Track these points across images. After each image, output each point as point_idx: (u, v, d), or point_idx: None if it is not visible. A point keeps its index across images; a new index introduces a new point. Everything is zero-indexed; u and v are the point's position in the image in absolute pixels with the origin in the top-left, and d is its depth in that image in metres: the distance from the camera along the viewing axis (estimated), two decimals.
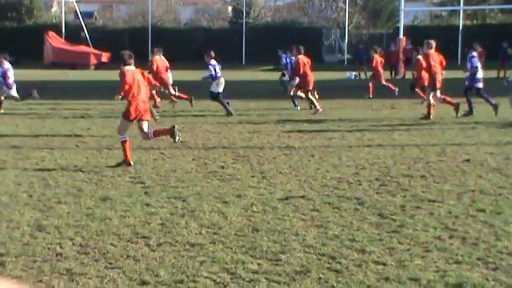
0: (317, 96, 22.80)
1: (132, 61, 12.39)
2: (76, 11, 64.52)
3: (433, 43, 19.08)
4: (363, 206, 9.04)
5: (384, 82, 26.50)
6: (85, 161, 12.65)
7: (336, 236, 7.58)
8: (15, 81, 20.87)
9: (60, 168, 11.93)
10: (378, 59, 26.19)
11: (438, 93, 19.00)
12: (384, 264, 6.61)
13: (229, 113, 20.21)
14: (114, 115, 19.71)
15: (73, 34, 59.72)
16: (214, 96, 20.44)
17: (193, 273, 6.35)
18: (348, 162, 12.47)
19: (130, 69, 12.30)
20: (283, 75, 28.14)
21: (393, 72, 40.91)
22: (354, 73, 42.09)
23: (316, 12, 71.07)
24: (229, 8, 72.92)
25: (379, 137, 15.71)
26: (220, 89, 20.41)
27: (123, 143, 12.26)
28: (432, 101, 18.98)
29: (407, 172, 11.43)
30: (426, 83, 19.46)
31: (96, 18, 71.97)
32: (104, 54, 55.34)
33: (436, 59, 19.05)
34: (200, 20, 71.10)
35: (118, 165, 12.08)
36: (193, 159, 12.86)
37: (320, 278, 6.24)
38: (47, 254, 6.94)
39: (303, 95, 21.09)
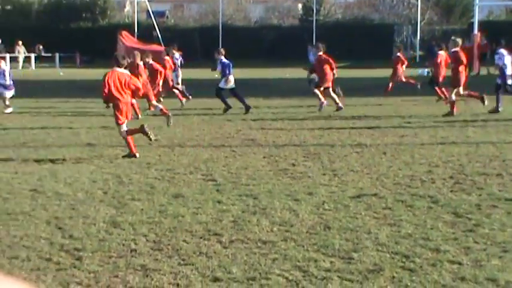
0: (341, 94, 22.46)
1: (125, 63, 13.16)
2: (148, 11, 65.32)
3: (460, 41, 19.08)
4: (436, 205, 8.89)
5: (403, 79, 25.93)
6: (157, 159, 12.80)
7: (409, 235, 7.48)
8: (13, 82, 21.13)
9: (134, 165, 12.11)
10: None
11: (461, 89, 18.98)
12: (460, 264, 6.48)
13: (227, 108, 20.42)
14: (185, 113, 19.92)
15: (145, 33, 60.49)
16: (219, 92, 20.63)
17: (265, 271, 6.35)
18: (420, 160, 12.29)
19: (119, 71, 12.85)
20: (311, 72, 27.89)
21: (467, 69, 40.06)
22: (426, 70, 41.41)
23: (387, 8, 70.31)
24: (299, 6, 72.76)
25: (452, 134, 15.44)
26: (229, 86, 20.57)
27: (125, 138, 12.89)
28: (454, 98, 18.88)
29: (482, 170, 11.20)
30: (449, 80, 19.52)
31: (167, 17, 72.80)
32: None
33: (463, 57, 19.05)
34: (270, 18, 71.20)
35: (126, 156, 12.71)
36: (264, 157, 12.88)
37: (393, 277, 6.17)
38: (122, 250, 7.05)
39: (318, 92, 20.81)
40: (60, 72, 43.84)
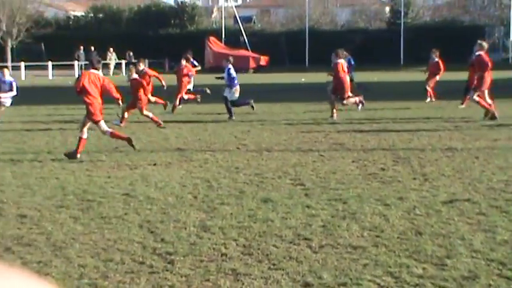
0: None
1: (100, 66, 13.97)
2: (235, 16, 66.00)
3: (486, 45, 18.78)
4: None
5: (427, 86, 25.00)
6: (246, 163, 12.87)
7: (505, 241, 7.26)
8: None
9: (222, 169, 12.21)
10: None
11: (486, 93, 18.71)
12: None
13: (230, 117, 20.29)
14: (273, 118, 19.97)
15: (232, 38, 61.15)
16: (231, 102, 20.53)
17: (356, 276, 6.28)
18: None
19: (94, 72, 13.62)
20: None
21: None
22: None
23: (478, 9, 68.84)
24: (387, 9, 72.06)
25: None
26: (236, 96, 20.60)
27: (81, 139, 13.51)
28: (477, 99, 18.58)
29: None
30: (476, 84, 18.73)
31: (254, 22, 73.26)
32: (262, 57, 56.26)
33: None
34: (357, 21, 70.77)
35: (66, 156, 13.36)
36: (353, 161, 12.77)
37: (490, 284, 6.00)
38: (212, 254, 7.10)
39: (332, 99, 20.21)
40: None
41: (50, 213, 9.02)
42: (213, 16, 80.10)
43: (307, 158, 13.29)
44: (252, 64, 56.45)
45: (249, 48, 59.65)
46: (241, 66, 55.26)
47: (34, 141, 15.85)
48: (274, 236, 7.76)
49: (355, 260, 6.74)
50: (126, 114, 18.94)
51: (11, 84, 20.23)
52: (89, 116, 13.58)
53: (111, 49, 53.03)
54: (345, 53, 21.42)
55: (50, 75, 49.49)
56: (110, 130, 13.94)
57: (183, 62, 23.78)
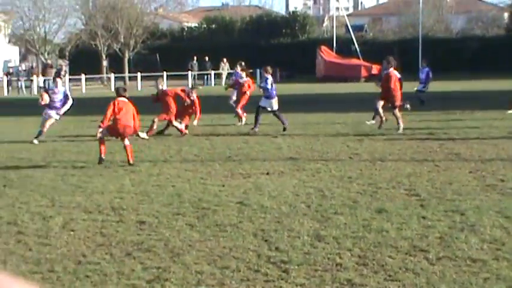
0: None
1: (126, 93, 14.59)
2: (347, 25, 65.70)
3: None
4: None
5: None
6: (359, 173, 12.77)
7: None
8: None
9: (335, 179, 12.15)
10: None
11: None
12: None
13: (255, 127, 19.49)
14: (387, 127, 19.69)
15: (343, 47, 60.85)
16: (273, 112, 19.81)
17: None
18: None
19: (121, 100, 14.24)
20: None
21: None
22: None
23: None
24: (505, 15, 69.97)
25: None
26: (277, 106, 19.76)
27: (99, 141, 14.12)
28: None
29: None
30: None
31: (366, 31, 72.74)
32: (374, 66, 55.71)
33: None
34: (473, 28, 69.02)
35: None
36: (470, 172, 12.45)
37: None
38: (327, 264, 7.08)
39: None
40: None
41: (167, 220, 9.23)
42: (324, 25, 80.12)
43: (422, 168, 13.05)
44: (364, 73, 55.92)
45: (360, 57, 59.21)
46: (353, 75, 55.03)
47: (150, 150, 16.26)
48: (390, 246, 7.66)
49: (475, 274, 6.57)
50: (181, 125, 19.15)
51: (65, 94, 18.83)
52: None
53: (225, 60, 53.86)
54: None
55: (139, 86, 50.51)
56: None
57: (243, 74, 23.16)
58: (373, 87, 22.52)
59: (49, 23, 62.65)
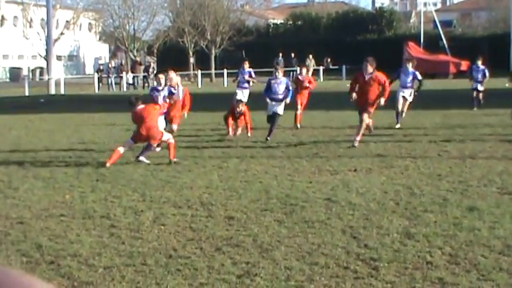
0: None
1: (138, 101, 14.12)
2: (434, 21, 64.63)
3: None
4: None
5: None
6: (448, 170, 12.56)
7: None
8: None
9: (424, 176, 11.99)
10: None
11: None
12: None
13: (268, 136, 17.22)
14: (471, 122, 19.31)
15: (431, 43, 59.90)
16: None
17: None
18: None
19: (138, 109, 13.94)
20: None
21: None
22: None
23: None
24: None
25: None
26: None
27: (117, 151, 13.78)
28: None
29: None
30: None
31: (455, 26, 71.41)
32: (463, 62, 54.59)
33: None
34: None
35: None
36: None
37: None
38: (417, 262, 7.00)
39: None
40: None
41: (255, 215, 9.30)
42: (411, 21, 79.01)
43: None
44: (453, 69, 54.90)
45: (448, 53, 58.16)
46: (441, 71, 54.07)
47: (236, 149, 16.35)
48: (482, 245, 7.51)
49: None
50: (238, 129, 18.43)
51: (170, 91, 16.19)
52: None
53: (311, 56, 53.80)
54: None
55: (225, 83, 50.64)
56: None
57: (303, 71, 22.02)
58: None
59: (138, 20, 64.03)
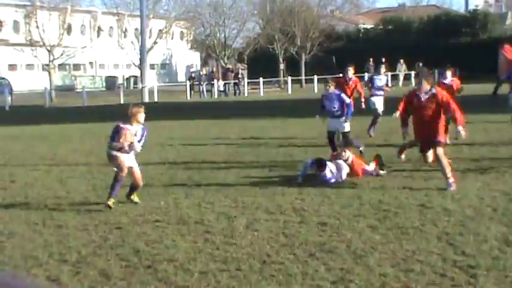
0: None
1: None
2: None
3: None
4: None
5: None
6: None
7: None
8: None
9: None
10: None
11: None
12: None
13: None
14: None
15: None
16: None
17: None
18: None
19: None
20: None
21: None
22: None
23: None
24: None
25: None
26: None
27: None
28: None
29: None
30: None
31: None
32: None
33: None
34: None
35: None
36: None
37: None
38: None
39: None
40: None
41: (348, 221, 9.23)
42: (507, 23, 76.94)
43: None
44: None
45: None
46: None
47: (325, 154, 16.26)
48: None
49: None
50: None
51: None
52: None
53: (402, 61, 53.12)
54: None
55: (315, 88, 50.43)
56: None
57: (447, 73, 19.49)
58: None
59: (228, 28, 64.70)
